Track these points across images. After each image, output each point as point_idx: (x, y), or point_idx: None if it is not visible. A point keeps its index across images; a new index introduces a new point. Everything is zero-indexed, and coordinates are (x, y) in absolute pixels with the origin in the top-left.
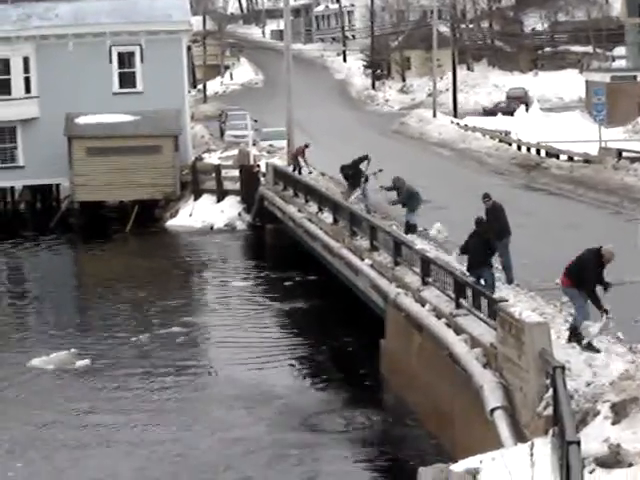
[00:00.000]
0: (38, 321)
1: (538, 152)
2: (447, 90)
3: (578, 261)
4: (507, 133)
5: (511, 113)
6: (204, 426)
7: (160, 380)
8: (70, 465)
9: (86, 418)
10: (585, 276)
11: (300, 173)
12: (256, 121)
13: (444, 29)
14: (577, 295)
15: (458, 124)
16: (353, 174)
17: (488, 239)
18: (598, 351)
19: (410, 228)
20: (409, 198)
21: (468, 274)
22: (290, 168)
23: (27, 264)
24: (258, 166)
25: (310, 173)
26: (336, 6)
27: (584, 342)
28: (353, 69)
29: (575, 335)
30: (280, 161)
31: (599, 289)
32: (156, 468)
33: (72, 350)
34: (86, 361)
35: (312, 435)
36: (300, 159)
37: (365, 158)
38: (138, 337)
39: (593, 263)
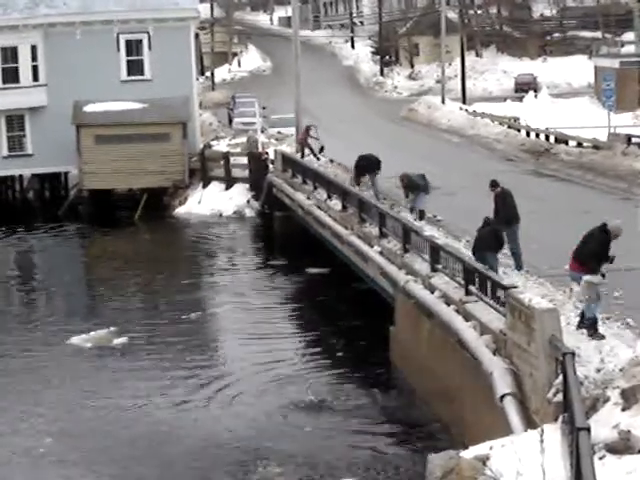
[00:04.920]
0: (64, 304)
1: (547, 138)
2: (456, 76)
3: (583, 239)
4: (516, 119)
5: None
6: (224, 407)
7: (182, 359)
8: (100, 442)
9: (115, 395)
10: (587, 249)
11: (302, 157)
12: (264, 108)
13: (452, 15)
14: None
15: (467, 110)
16: (365, 166)
17: (498, 231)
18: (603, 337)
19: (413, 213)
20: (424, 182)
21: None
22: (299, 155)
23: (40, 252)
24: (267, 153)
25: (318, 160)
26: None
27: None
28: (361, 56)
29: (583, 322)
30: (289, 148)
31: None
32: (178, 445)
33: (111, 328)
34: (123, 339)
35: (322, 419)
36: (305, 144)
37: (378, 166)
38: (167, 320)
39: (599, 238)
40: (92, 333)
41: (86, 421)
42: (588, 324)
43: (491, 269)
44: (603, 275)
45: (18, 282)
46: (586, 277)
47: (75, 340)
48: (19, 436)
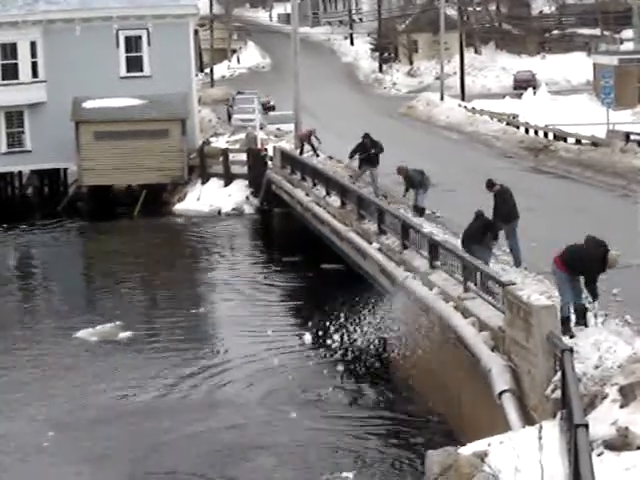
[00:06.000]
0: (67, 299)
1: (546, 135)
2: (455, 73)
3: (582, 253)
4: (515, 116)
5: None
6: (225, 401)
7: (186, 355)
8: (104, 435)
9: (119, 388)
10: (587, 268)
11: (301, 153)
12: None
13: (451, 12)
14: (565, 279)
15: (466, 107)
16: (370, 153)
17: (489, 224)
18: (572, 336)
19: (418, 211)
20: (422, 178)
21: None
22: (297, 151)
23: (40, 248)
24: (265, 150)
25: (318, 157)
26: None
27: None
28: (360, 52)
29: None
30: (288, 145)
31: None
32: (181, 436)
33: (117, 323)
34: (128, 333)
35: (319, 414)
36: (306, 144)
37: (380, 149)
38: (170, 315)
39: (597, 263)
40: (98, 327)
41: (90, 414)
42: (560, 321)
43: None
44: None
45: (20, 278)
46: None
47: (81, 334)
48: (24, 429)
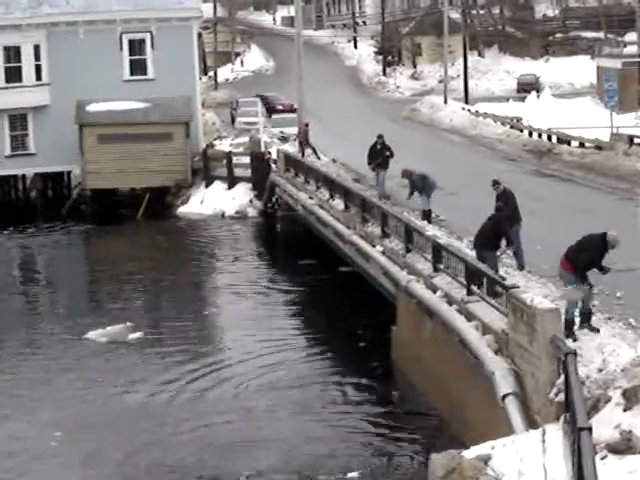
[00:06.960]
0: (75, 302)
1: (549, 138)
2: (458, 76)
3: (580, 243)
4: (518, 119)
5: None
6: (229, 401)
7: (195, 357)
8: (112, 436)
9: (127, 388)
10: (584, 257)
11: (303, 156)
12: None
13: (455, 15)
14: (572, 282)
15: (469, 110)
16: (382, 153)
17: (500, 225)
18: (597, 330)
19: (426, 215)
20: (423, 183)
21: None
22: (300, 153)
23: (45, 251)
24: (269, 153)
25: (319, 159)
26: None
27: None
28: (364, 55)
29: (584, 321)
30: (291, 148)
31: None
32: (189, 436)
33: (126, 324)
34: (138, 334)
35: (323, 417)
36: (306, 143)
37: (392, 153)
38: (179, 317)
39: (598, 247)
40: (108, 328)
41: (100, 414)
42: (565, 324)
43: (490, 266)
44: (591, 286)
45: (26, 281)
46: (573, 288)
47: (90, 335)
48: (34, 431)
